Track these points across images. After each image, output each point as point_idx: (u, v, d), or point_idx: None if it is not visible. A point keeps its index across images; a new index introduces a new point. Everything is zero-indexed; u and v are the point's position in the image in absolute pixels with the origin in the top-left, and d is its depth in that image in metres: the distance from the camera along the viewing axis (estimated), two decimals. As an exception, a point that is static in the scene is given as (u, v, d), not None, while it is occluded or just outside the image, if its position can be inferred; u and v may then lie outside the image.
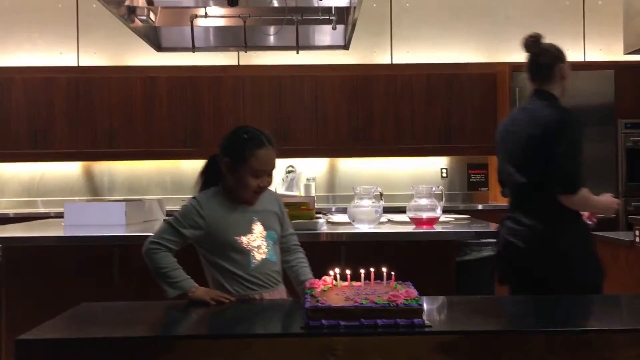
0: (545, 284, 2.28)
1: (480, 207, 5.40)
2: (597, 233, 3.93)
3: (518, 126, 2.42)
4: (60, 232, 3.07)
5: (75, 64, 5.78)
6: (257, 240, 2.05)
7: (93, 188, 5.86)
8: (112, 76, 5.57)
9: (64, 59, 5.78)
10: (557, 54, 2.45)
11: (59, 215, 4.92)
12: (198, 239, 2.06)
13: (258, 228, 2.06)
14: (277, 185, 5.46)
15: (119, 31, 5.66)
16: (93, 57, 5.80)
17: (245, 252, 2.03)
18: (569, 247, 2.30)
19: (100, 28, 5.77)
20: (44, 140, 5.49)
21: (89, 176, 5.87)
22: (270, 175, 2.07)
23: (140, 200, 3.66)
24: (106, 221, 3.26)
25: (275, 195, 2.25)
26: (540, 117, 2.34)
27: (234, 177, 2.04)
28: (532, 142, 2.32)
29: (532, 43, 2.46)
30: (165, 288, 1.99)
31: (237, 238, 2.02)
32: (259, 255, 2.04)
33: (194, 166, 5.86)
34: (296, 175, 4.00)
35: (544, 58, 2.45)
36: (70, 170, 5.84)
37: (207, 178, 2.16)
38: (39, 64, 5.69)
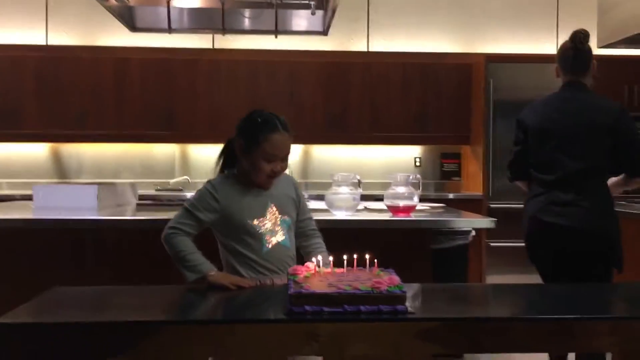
0: (590, 259, 2.49)
1: (451, 196, 5.44)
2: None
3: (575, 115, 2.54)
4: (29, 215, 2.99)
5: (44, 43, 5.61)
6: (270, 225, 2.05)
7: (61, 170, 5.72)
8: (83, 56, 5.42)
9: (32, 37, 5.61)
10: (592, 51, 2.65)
11: (25, 198, 4.79)
12: (214, 223, 2.06)
13: (272, 212, 2.06)
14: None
15: (89, 10, 5.53)
16: (62, 37, 5.64)
17: (258, 236, 2.02)
18: (616, 227, 2.54)
19: (70, 6, 5.61)
20: (11, 121, 5.32)
21: (57, 158, 5.73)
22: (284, 160, 2.06)
23: (112, 183, 3.58)
24: (77, 204, 3.17)
25: (292, 180, 2.23)
26: (608, 107, 2.52)
27: (248, 160, 2.04)
28: (599, 130, 2.49)
29: (584, 38, 2.60)
30: (184, 272, 1.98)
31: (251, 221, 2.02)
32: (272, 240, 2.04)
33: (165, 150, 5.79)
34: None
35: (587, 53, 2.62)
36: (37, 151, 5.68)
37: (224, 161, 2.16)
38: (6, 42, 5.50)
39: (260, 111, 2.08)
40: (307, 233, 2.18)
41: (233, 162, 2.13)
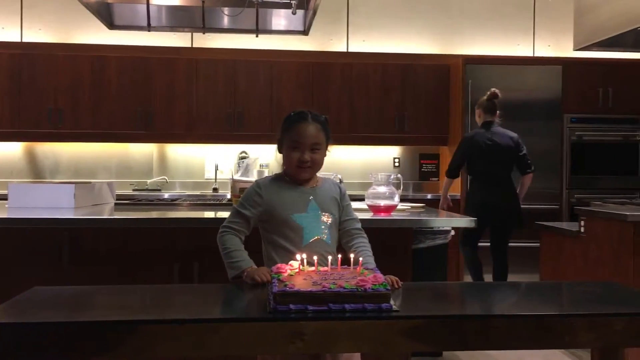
0: (516, 219, 4.50)
1: (429, 196, 5.48)
2: (543, 223, 4.08)
3: (497, 141, 4.46)
4: (4, 214, 2.92)
5: (19, 40, 5.51)
6: (311, 220, 2.09)
7: (36, 170, 5.63)
8: (58, 54, 5.34)
9: (6, 34, 5.51)
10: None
11: (-1, 197, 4.71)
12: (259, 219, 2.12)
13: (313, 208, 2.11)
14: (232, 170, 5.39)
15: (65, 7, 5.46)
16: (38, 33, 5.55)
17: (299, 230, 2.07)
18: (518, 201, 4.55)
19: (45, 3, 5.53)
20: (-16, 119, 5.22)
21: (31, 157, 5.63)
22: (314, 151, 2.09)
23: (89, 183, 3.53)
24: (54, 204, 3.12)
25: (338, 184, 2.28)
26: (513, 137, 4.49)
27: (283, 153, 2.14)
28: (511, 150, 4.46)
29: (497, 95, 4.49)
30: (227, 269, 2.02)
31: (292, 215, 2.08)
32: (312, 234, 2.08)
33: (143, 150, 5.73)
34: (252, 161, 3.94)
35: (496, 105, 4.53)
36: (11, 150, 5.58)
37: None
38: (-21, 38, 5.40)
39: (300, 109, 2.18)
40: (350, 232, 2.19)
41: None
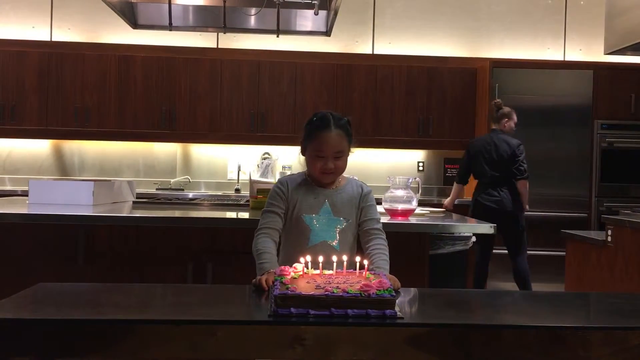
0: (513, 221, 4.56)
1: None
2: (569, 231, 3.96)
3: (496, 146, 4.59)
4: (24, 210, 2.96)
5: (48, 39, 5.61)
6: (323, 223, 2.07)
7: (62, 167, 5.71)
8: (86, 53, 5.41)
9: (37, 32, 5.61)
10: (503, 113, 4.72)
11: (26, 194, 4.78)
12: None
13: (326, 211, 2.09)
14: (252, 171, 5.39)
15: (93, 7, 5.52)
16: (67, 33, 5.63)
17: (306, 231, 2.06)
18: (521, 209, 4.60)
19: (75, 3, 5.61)
20: (13, 116, 5.32)
21: (59, 155, 5.72)
22: (338, 158, 2.07)
23: (109, 180, 3.55)
24: (73, 201, 3.15)
25: (361, 184, 2.23)
26: (512, 143, 4.56)
27: (306, 157, 2.13)
28: (506, 154, 4.55)
29: (499, 105, 4.70)
30: (256, 270, 2.01)
31: (303, 215, 2.07)
32: (319, 237, 2.06)
33: (167, 149, 5.76)
34: (272, 162, 3.93)
35: (499, 114, 4.69)
36: (39, 147, 5.68)
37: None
38: (10, 37, 5.50)
39: (323, 111, 2.14)
40: (369, 232, 2.14)
41: None
